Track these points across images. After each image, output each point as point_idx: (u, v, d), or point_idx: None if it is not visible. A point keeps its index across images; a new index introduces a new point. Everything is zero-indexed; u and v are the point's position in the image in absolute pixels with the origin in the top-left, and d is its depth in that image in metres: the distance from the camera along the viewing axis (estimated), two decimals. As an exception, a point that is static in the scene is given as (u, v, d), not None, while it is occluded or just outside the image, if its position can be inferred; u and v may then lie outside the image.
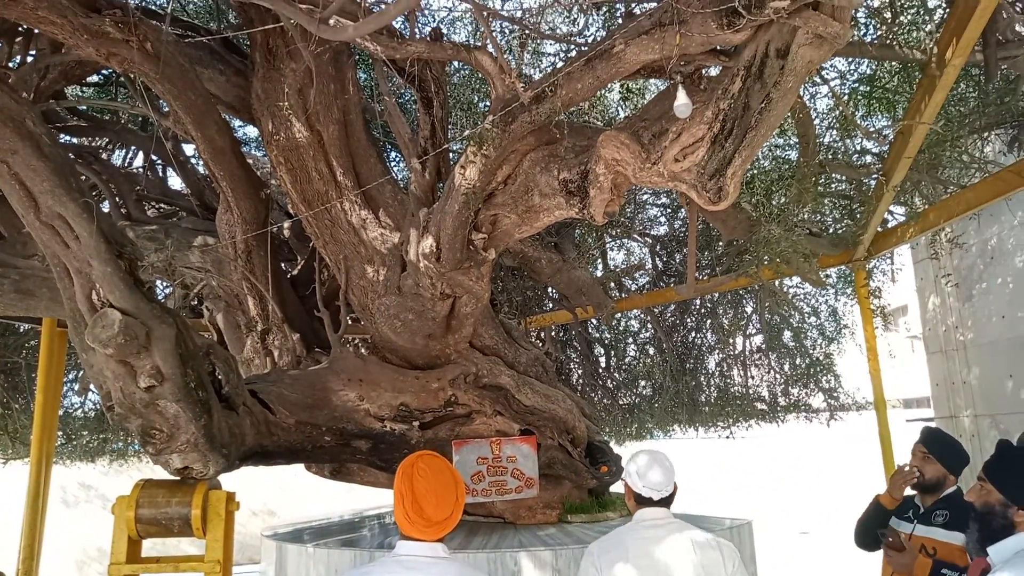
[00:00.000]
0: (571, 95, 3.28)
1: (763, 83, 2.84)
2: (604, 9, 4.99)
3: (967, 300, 7.53)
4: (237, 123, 7.00)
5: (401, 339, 4.72)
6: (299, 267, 6.15)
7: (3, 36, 4.53)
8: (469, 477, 4.86)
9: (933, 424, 7.13)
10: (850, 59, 5.17)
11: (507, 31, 5.30)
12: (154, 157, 6.63)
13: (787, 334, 8.59)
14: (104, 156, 6.80)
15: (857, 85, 5.30)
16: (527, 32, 4.18)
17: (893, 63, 4.88)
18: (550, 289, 8.19)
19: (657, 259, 8.50)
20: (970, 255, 7.44)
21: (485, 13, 3.19)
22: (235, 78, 4.96)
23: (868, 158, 5.61)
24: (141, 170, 6.79)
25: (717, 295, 8.38)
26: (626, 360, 9.88)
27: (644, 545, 2.32)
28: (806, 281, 6.87)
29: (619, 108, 6.68)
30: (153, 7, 5.50)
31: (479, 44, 3.43)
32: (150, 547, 3.78)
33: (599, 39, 3.51)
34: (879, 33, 4.66)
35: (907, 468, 3.08)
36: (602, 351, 9.99)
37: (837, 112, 5.18)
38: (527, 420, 5.10)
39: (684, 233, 7.61)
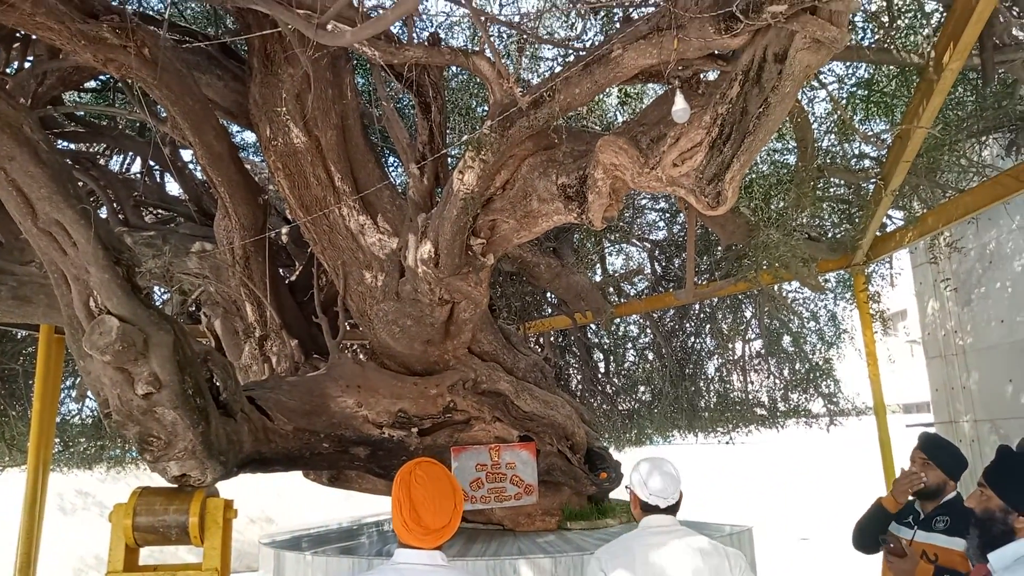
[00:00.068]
0: (569, 100, 3.29)
1: (761, 87, 2.84)
2: (602, 14, 4.99)
3: (966, 304, 7.52)
4: (235, 128, 7.00)
5: (400, 345, 4.71)
6: (297, 273, 6.14)
7: (1, 42, 4.53)
8: (468, 484, 4.84)
9: (933, 429, 7.11)
10: (848, 63, 5.18)
11: (505, 36, 5.30)
12: (152, 163, 6.64)
13: (786, 339, 8.58)
14: (102, 162, 6.80)
15: (855, 89, 5.32)
16: (525, 37, 4.18)
17: (891, 67, 4.90)
18: (549, 294, 8.19)
19: (656, 264, 8.50)
20: (969, 259, 7.44)
21: (483, 18, 3.20)
22: (233, 83, 4.96)
23: (866, 162, 5.62)
24: (139, 176, 6.79)
25: (716, 300, 8.37)
26: (625, 365, 9.87)
27: (651, 552, 2.33)
28: (805, 286, 6.85)
29: (617, 113, 6.69)
30: (151, 13, 5.50)
31: (477, 49, 3.43)
32: (147, 555, 3.76)
33: (597, 44, 3.51)
34: (877, 37, 4.68)
35: (913, 472, 3.07)
36: (601, 356, 9.97)
37: (835, 116, 5.18)
38: (526, 426, 5.08)
39: (683, 238, 7.61)
